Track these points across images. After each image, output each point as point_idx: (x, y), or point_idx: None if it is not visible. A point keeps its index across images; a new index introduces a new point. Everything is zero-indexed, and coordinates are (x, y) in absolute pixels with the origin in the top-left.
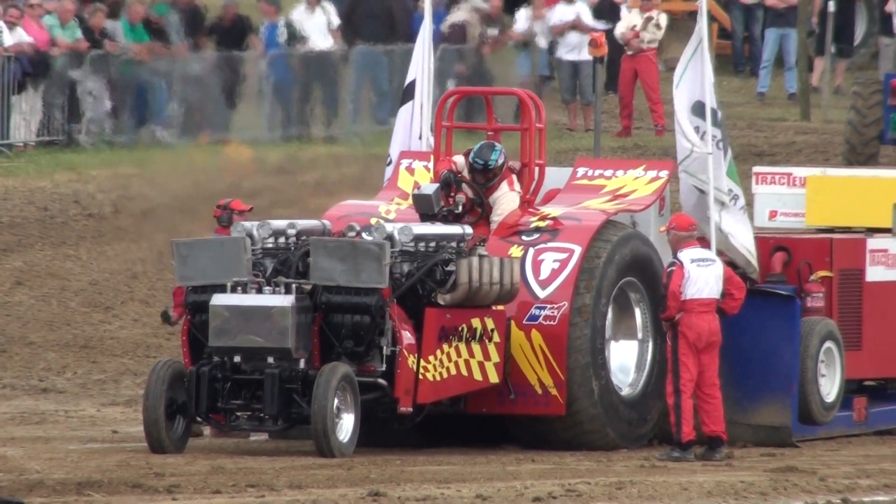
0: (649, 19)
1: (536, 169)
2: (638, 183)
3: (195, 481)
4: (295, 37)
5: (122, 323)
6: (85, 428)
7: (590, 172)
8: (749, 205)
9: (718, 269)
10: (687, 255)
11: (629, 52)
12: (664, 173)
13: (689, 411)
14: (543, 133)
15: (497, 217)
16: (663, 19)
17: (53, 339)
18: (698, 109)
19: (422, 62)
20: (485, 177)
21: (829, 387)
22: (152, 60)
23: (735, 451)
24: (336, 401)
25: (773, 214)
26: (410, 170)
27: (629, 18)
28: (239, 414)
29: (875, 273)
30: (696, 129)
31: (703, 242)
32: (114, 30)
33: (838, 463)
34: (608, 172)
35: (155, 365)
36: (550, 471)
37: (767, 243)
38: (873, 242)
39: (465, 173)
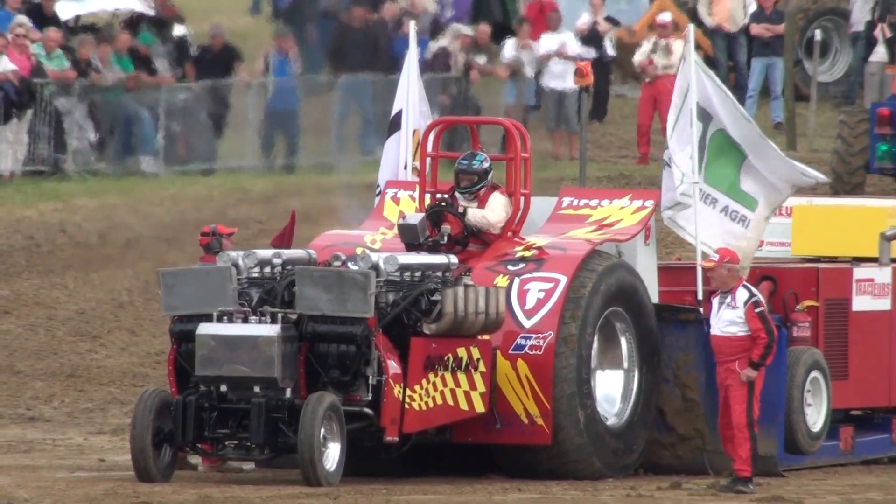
0: (657, 45)
1: (522, 199)
2: (623, 213)
3: None
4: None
5: (108, 352)
6: (72, 456)
7: (575, 202)
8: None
9: None
10: (752, 288)
11: (647, 80)
12: (650, 203)
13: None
14: (529, 163)
15: (488, 214)
16: (677, 46)
17: (41, 367)
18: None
19: (408, 91)
20: (468, 180)
21: (816, 416)
22: (138, 90)
23: (721, 481)
24: (322, 430)
25: (759, 244)
26: (396, 199)
27: (645, 46)
28: (226, 443)
29: (861, 303)
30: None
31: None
32: (103, 58)
33: (824, 492)
34: (593, 202)
35: (142, 394)
36: (536, 500)
37: (754, 273)
38: (860, 272)
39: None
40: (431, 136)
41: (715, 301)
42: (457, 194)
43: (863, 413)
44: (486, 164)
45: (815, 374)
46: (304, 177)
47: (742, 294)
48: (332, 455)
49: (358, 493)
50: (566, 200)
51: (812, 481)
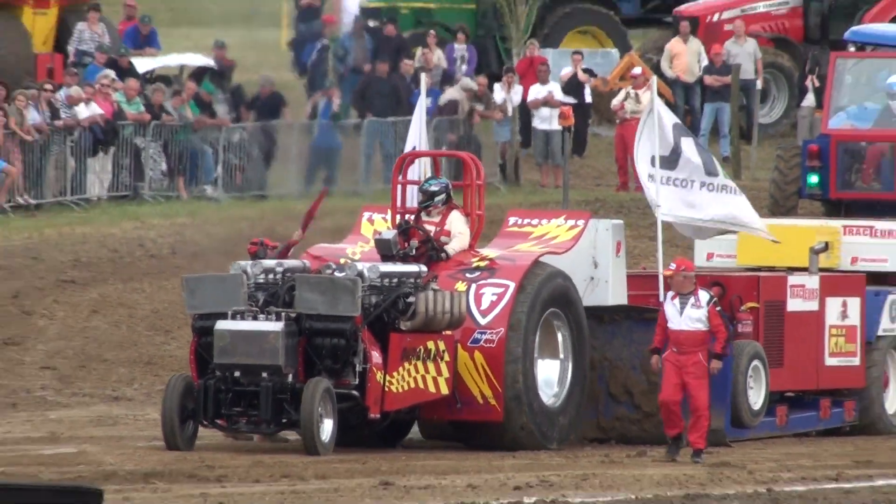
0: (628, 94)
1: (477, 218)
2: (560, 230)
3: (239, 472)
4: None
5: (178, 343)
6: (150, 429)
7: (520, 221)
8: (690, 248)
9: None
10: (707, 291)
11: (617, 121)
12: (581, 222)
13: None
14: (482, 189)
15: (460, 241)
16: (645, 96)
17: (124, 357)
18: (653, 160)
19: (419, 133)
20: (426, 197)
21: (756, 397)
22: (201, 130)
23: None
24: (319, 409)
25: (710, 256)
26: (371, 220)
27: (622, 94)
28: (239, 419)
29: (794, 304)
30: (651, 176)
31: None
32: (176, 105)
33: (764, 459)
34: (535, 221)
35: (170, 379)
36: (528, 465)
37: (705, 279)
38: (793, 279)
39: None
40: (402, 167)
41: (675, 303)
42: (423, 213)
43: (795, 395)
44: (439, 187)
45: (756, 362)
46: (338, 201)
47: (704, 295)
48: (327, 429)
49: (382, 459)
50: (512, 220)
51: (753, 450)
